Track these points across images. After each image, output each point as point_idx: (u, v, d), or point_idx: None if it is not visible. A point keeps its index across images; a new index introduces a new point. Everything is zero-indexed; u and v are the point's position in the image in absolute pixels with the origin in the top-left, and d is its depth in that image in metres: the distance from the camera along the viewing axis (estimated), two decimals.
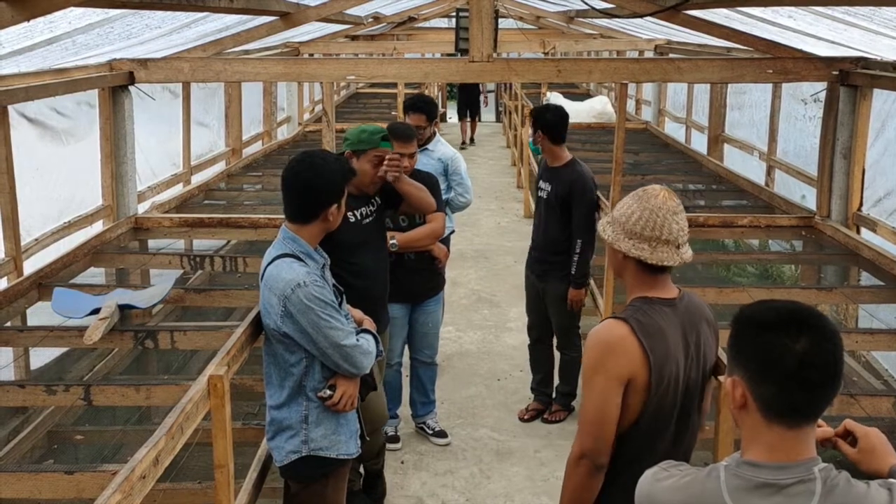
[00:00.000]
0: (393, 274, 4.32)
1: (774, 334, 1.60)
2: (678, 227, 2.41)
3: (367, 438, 3.69)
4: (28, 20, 2.49)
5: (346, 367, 3.12)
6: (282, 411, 3.19)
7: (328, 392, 3.15)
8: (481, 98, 18.20)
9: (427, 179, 4.46)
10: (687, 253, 2.45)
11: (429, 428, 5.22)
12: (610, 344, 2.35)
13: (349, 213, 3.89)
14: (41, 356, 4.09)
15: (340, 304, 3.29)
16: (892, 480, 1.66)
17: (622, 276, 2.52)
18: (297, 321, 3.02)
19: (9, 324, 3.82)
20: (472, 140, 17.38)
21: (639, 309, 2.40)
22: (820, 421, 1.92)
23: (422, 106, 5.33)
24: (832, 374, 1.59)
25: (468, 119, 17.40)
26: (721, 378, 2.58)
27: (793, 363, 1.57)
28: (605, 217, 2.57)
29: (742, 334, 1.67)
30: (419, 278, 4.81)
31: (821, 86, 5.26)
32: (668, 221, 2.39)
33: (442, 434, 5.20)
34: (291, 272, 3.03)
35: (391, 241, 4.40)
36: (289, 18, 5.66)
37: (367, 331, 3.30)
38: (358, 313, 3.46)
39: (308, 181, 3.11)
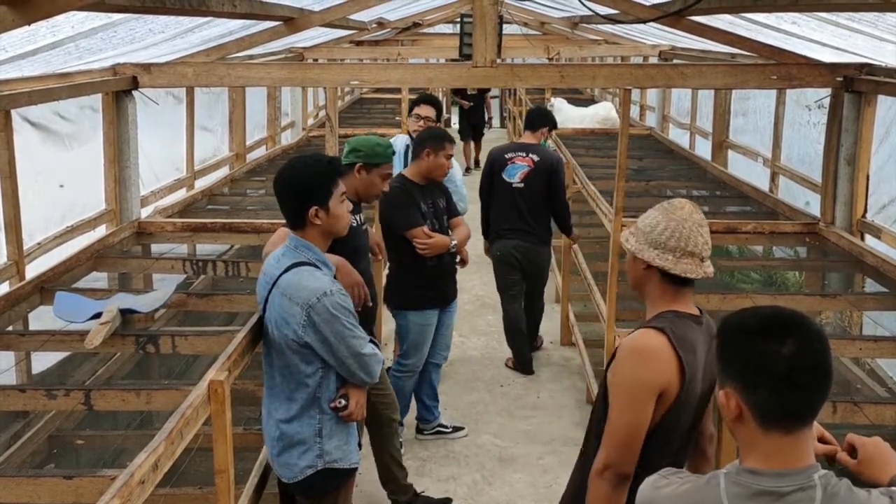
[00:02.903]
0: (437, 279, 4.79)
1: (760, 340, 1.59)
2: (703, 241, 2.39)
3: (360, 448, 3.68)
4: (29, 24, 2.49)
5: (362, 375, 3.08)
6: (293, 425, 3.09)
7: (342, 402, 3.10)
8: (486, 119, 15.80)
9: (442, 189, 4.91)
10: (710, 267, 2.43)
11: (446, 427, 5.31)
12: (648, 354, 2.31)
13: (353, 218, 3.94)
14: (43, 360, 4.08)
15: None
16: (893, 489, 1.65)
17: (642, 288, 2.48)
18: (319, 330, 2.95)
19: (10, 328, 3.82)
20: (476, 163, 14.88)
21: (672, 321, 2.36)
22: (829, 436, 1.91)
23: (433, 100, 5.77)
24: (823, 373, 1.59)
25: (472, 140, 15.33)
26: None
27: (783, 367, 1.56)
28: (627, 230, 2.54)
29: (728, 345, 1.66)
30: (452, 281, 5.01)
31: (825, 92, 5.24)
32: (693, 233, 2.38)
33: (460, 427, 5.35)
34: (316, 281, 2.98)
35: (453, 242, 4.78)
36: (292, 23, 5.67)
37: (371, 341, 3.29)
38: None
39: (284, 186, 3.09)
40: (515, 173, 6.09)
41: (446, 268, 4.87)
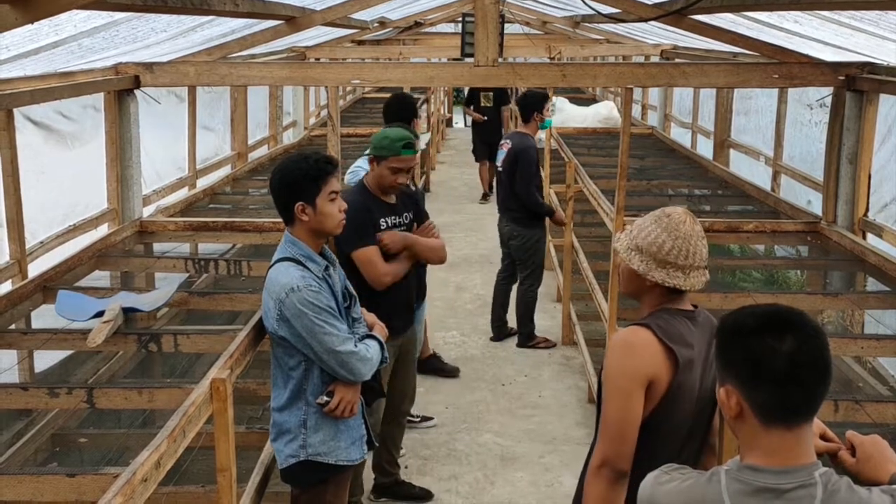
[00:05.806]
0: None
1: (759, 338, 1.60)
2: (706, 251, 2.42)
3: (377, 444, 3.72)
4: (31, 22, 2.50)
5: (343, 373, 3.12)
6: (282, 414, 3.20)
7: (325, 398, 3.14)
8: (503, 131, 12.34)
9: (415, 195, 4.69)
10: (707, 274, 2.46)
11: (415, 417, 5.31)
12: (633, 345, 2.34)
13: (381, 220, 4.02)
14: (45, 359, 4.09)
15: (349, 307, 3.29)
16: (895, 487, 1.65)
17: (640, 297, 2.49)
18: (292, 325, 3.04)
19: (13, 326, 3.83)
20: (491, 189, 12.11)
21: (659, 317, 2.40)
22: (831, 434, 1.91)
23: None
24: (822, 369, 1.60)
25: (489, 161, 12.11)
26: None
27: (783, 364, 1.57)
28: (623, 240, 2.49)
29: (727, 343, 1.67)
30: (417, 292, 4.81)
31: (827, 91, 5.23)
32: (698, 247, 2.40)
33: (429, 417, 5.44)
34: (287, 276, 3.06)
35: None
36: (294, 23, 5.67)
37: (372, 336, 3.29)
38: (371, 317, 3.46)
39: (275, 181, 3.17)
40: (500, 157, 6.90)
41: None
